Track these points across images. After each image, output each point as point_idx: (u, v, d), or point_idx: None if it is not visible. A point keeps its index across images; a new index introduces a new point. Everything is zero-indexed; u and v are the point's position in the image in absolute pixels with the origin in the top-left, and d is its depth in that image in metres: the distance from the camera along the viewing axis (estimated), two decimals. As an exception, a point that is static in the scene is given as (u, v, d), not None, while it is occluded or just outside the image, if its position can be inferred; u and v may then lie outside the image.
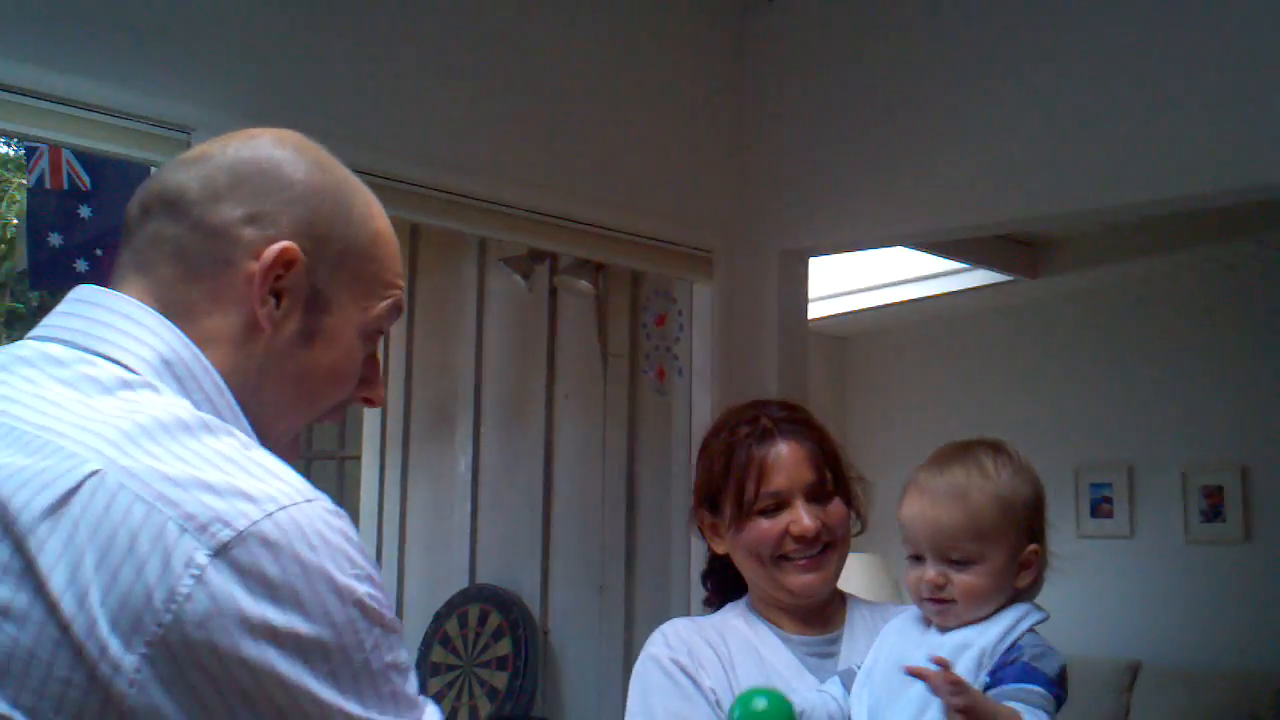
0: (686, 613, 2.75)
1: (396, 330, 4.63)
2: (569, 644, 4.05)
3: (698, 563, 1.95)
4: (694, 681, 1.60)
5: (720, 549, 1.72)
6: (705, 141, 3.39)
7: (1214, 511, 5.71)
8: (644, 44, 3.26)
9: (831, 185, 3.24)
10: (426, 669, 4.24)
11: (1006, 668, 1.46)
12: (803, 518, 1.62)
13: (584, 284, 3.82)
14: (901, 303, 5.80)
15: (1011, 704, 1.41)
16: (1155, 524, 5.89)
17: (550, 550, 4.12)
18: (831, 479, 1.67)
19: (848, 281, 5.58)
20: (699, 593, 1.87)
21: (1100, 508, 6.08)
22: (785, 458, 1.65)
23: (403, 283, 1.10)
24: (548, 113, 3.02)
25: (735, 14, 3.43)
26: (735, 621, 1.69)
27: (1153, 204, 2.93)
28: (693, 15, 3.40)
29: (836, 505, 1.67)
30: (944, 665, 1.39)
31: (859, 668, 1.56)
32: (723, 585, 1.77)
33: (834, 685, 1.57)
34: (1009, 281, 5.50)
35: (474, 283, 4.40)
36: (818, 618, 1.69)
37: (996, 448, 1.57)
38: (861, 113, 3.18)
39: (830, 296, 5.63)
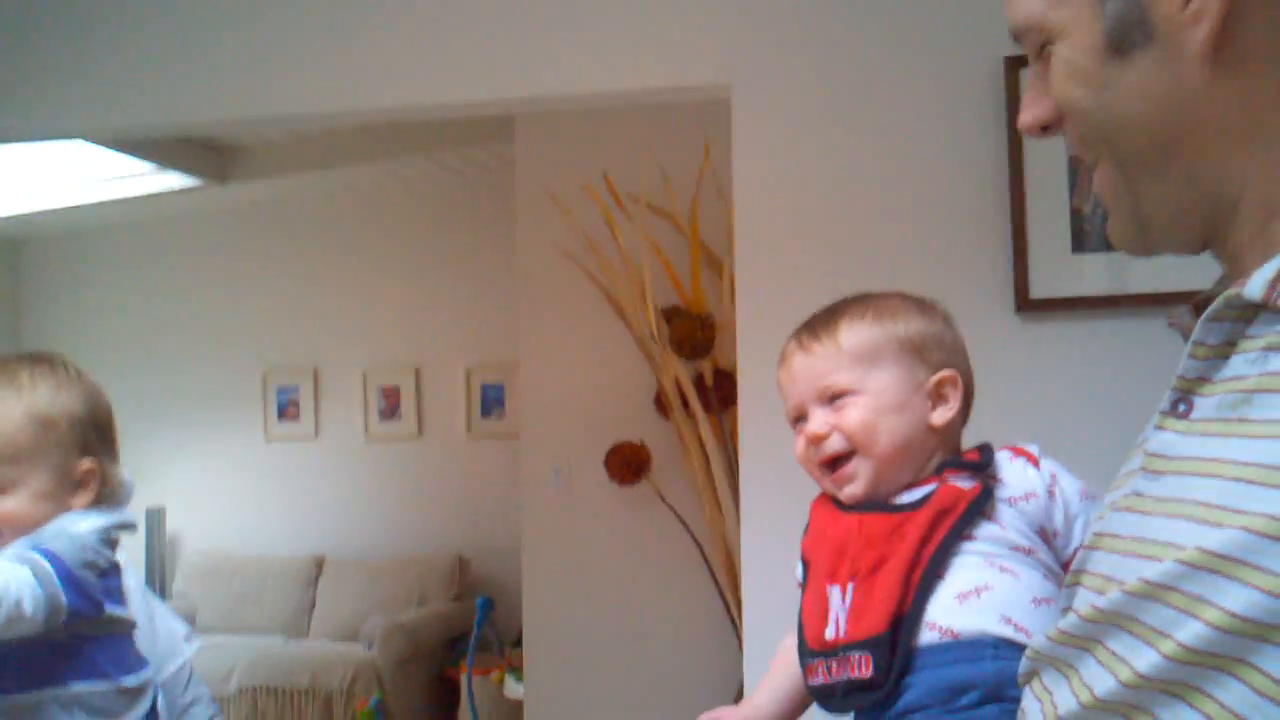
0: None
1: None
2: None
3: None
4: None
5: None
6: None
7: (392, 411, 6.21)
8: None
9: (8, 69, 2.94)
10: None
11: None
12: None
13: None
14: (86, 205, 5.45)
15: None
16: (339, 425, 6.25)
17: None
18: None
19: (24, 181, 5.12)
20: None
21: (287, 411, 6.30)
22: None
23: None
24: None
25: None
26: None
27: (335, 117, 3.05)
28: None
29: None
30: None
31: None
32: None
33: None
34: (198, 187, 5.43)
35: None
36: None
37: (39, 360, 1.41)
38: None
39: (3, 196, 5.13)
